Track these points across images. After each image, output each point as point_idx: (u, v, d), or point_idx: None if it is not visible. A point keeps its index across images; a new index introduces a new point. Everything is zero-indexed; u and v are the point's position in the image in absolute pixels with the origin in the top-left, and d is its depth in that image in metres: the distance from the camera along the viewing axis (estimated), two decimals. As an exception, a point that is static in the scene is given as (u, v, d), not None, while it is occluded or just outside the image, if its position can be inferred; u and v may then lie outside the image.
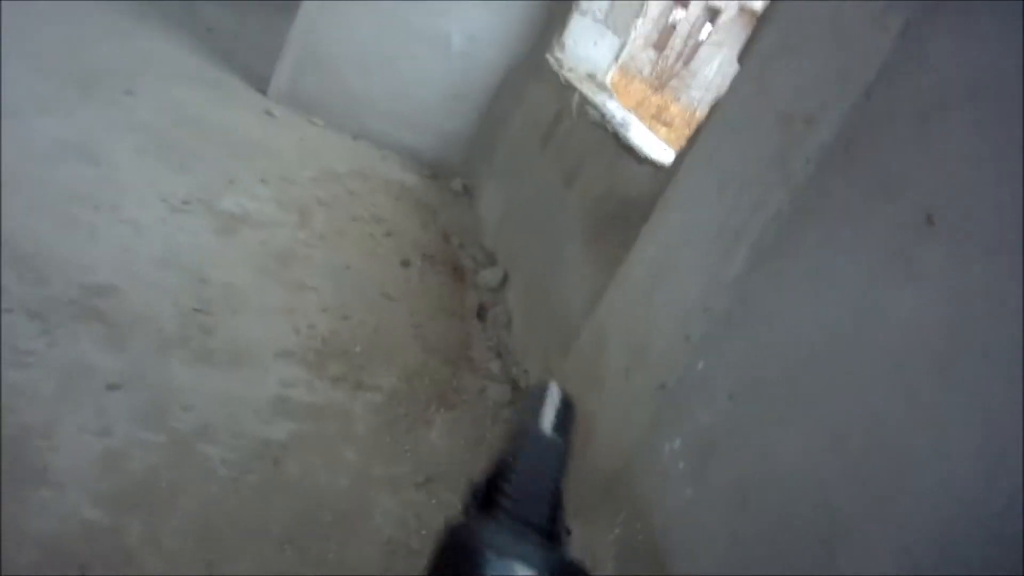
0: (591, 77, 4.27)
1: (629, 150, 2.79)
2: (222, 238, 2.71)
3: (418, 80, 4.50)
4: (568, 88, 3.66)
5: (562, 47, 4.23)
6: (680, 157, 2.39)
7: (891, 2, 1.65)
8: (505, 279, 3.47)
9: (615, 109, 3.48)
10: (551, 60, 4.14)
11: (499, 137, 4.48)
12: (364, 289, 2.90)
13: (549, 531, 0.45)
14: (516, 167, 3.99)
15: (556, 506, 0.47)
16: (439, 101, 4.58)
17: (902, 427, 1.29)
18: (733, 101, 2.08)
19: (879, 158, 1.61)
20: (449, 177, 4.68)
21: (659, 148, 2.88)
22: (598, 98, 3.64)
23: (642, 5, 4.25)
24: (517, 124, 4.32)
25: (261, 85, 4.46)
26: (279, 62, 4.34)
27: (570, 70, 4.14)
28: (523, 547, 0.41)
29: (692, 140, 2.29)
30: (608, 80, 4.36)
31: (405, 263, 3.26)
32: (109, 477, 1.60)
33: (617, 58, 4.36)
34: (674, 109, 16.72)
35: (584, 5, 4.17)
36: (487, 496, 0.47)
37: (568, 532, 0.47)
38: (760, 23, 2.24)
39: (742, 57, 2.31)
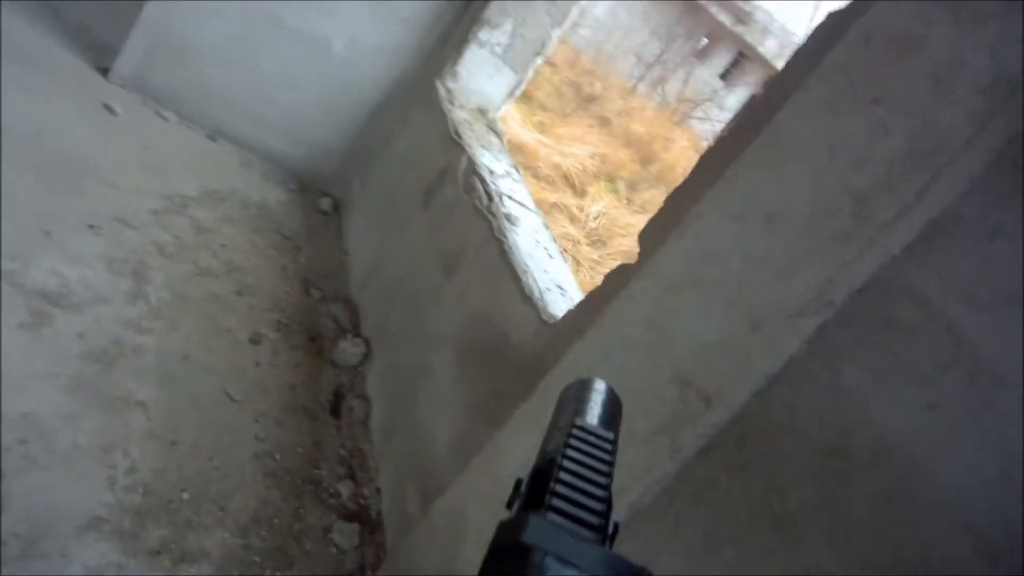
0: (482, 113, 3.97)
1: (514, 274, 2.57)
2: (27, 336, 2.28)
3: (290, 82, 4.02)
4: (456, 146, 3.36)
5: (455, 77, 3.88)
6: (569, 328, 2.21)
7: (809, 306, 1.51)
8: (368, 353, 3.21)
9: (503, 184, 3.23)
10: (441, 91, 3.79)
11: (377, 157, 4.11)
12: (202, 390, 2.56)
13: (602, 529, 0.42)
14: (393, 211, 3.68)
15: (607, 503, 0.44)
16: (313, 108, 4.12)
17: None
18: (628, 316, 1.91)
19: (772, 474, 1.51)
20: (317, 193, 4.27)
21: (547, 275, 2.68)
22: (486, 159, 3.37)
23: (543, 43, 3.95)
24: (399, 150, 3.97)
25: (104, 60, 3.83)
26: (128, 41, 3.72)
27: (461, 106, 3.81)
28: (580, 546, 0.38)
29: (575, 336, 2.11)
30: (499, 117, 4.06)
31: (255, 340, 2.92)
32: None
33: (512, 95, 4.06)
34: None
35: (483, 36, 3.82)
36: (534, 493, 0.45)
37: (617, 529, 0.44)
38: (664, 216, 2.06)
39: (643, 239, 2.13)
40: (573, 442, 0.48)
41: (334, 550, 2.38)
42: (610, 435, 0.50)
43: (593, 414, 0.54)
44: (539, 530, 0.39)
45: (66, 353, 2.32)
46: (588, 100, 15.51)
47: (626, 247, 9.45)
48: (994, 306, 1.30)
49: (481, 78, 3.93)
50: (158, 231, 3.06)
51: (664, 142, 15.75)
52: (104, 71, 3.76)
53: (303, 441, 2.67)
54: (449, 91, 3.84)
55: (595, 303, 2.15)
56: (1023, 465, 1.15)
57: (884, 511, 1.29)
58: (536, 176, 10.21)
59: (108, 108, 3.55)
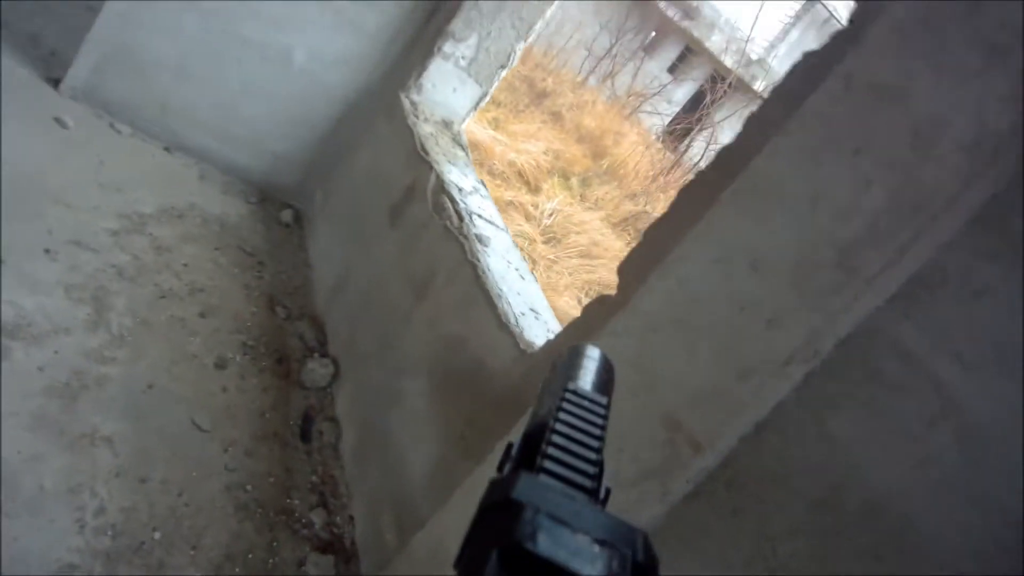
0: (447, 125, 3.94)
1: (489, 300, 2.56)
2: (-13, 373, 2.19)
3: (250, 93, 3.91)
4: (423, 162, 3.33)
5: (419, 89, 3.84)
6: (549, 360, 2.21)
7: (798, 355, 1.54)
8: (336, 373, 3.17)
9: (472, 202, 3.21)
10: (406, 104, 3.75)
11: (340, 169, 4.05)
12: (169, 421, 2.50)
13: (594, 492, 0.41)
14: (359, 226, 3.63)
15: (599, 467, 0.44)
16: (273, 119, 4.03)
17: None
18: (612, 354, 1.91)
19: (764, 523, 1.54)
20: (278, 204, 4.18)
21: (520, 298, 2.67)
22: (454, 176, 3.34)
23: (510, 56, 3.93)
24: (362, 163, 3.91)
25: (53, 70, 3.67)
26: (80, 52, 3.57)
27: (426, 119, 3.77)
28: (572, 504, 0.38)
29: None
30: (464, 129, 4.03)
31: (221, 364, 2.86)
32: None
33: (476, 107, 4.03)
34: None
35: (448, 48, 3.78)
36: (526, 456, 0.44)
37: (608, 493, 0.43)
38: (645, 250, 2.07)
39: (624, 273, 2.15)
40: (566, 406, 0.47)
41: (310, 585, 2.34)
42: (603, 399, 0.49)
43: (586, 380, 0.53)
44: (530, 488, 0.38)
45: (27, 389, 2.23)
46: (540, 95, 15.54)
47: (581, 244, 9.54)
48: (980, 365, 1.34)
49: (446, 91, 3.90)
50: (117, 253, 2.96)
51: (615, 136, 15.89)
52: (55, 82, 3.61)
53: (274, 470, 2.62)
54: (414, 104, 3.80)
55: (575, 336, 2.16)
56: (1012, 528, 1.19)
57: (876, 568, 1.33)
58: (491, 173, 10.21)
59: (59, 122, 3.41)
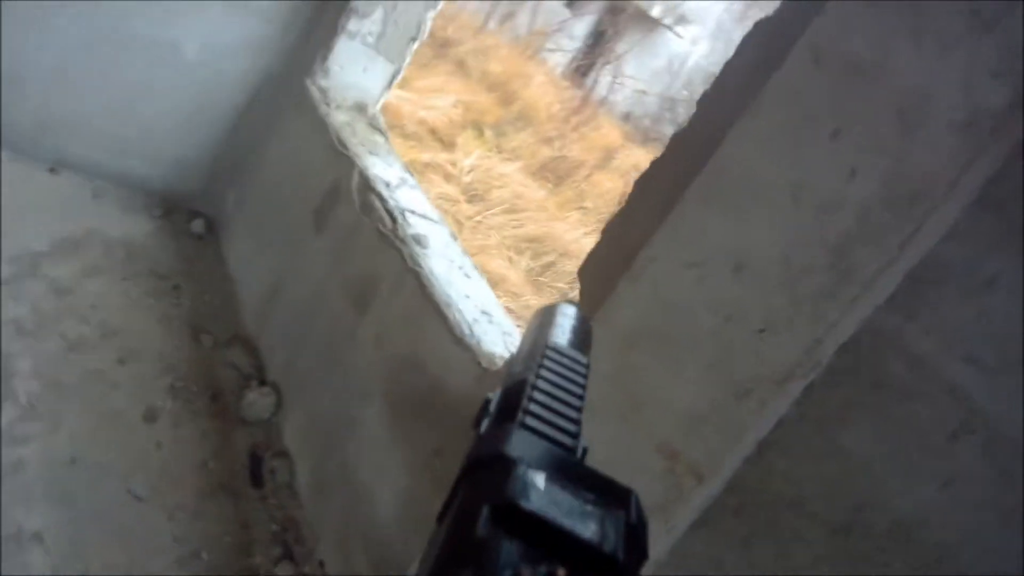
0: (361, 109, 3.65)
1: (438, 311, 2.37)
2: None
3: (139, 95, 3.52)
4: (343, 157, 3.06)
5: (326, 73, 3.53)
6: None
7: (798, 368, 1.41)
8: (279, 403, 2.93)
9: (402, 197, 2.97)
10: (314, 91, 3.44)
11: (251, 168, 3.72)
12: (103, 496, 2.24)
13: (572, 450, 0.40)
14: (281, 232, 3.34)
15: (578, 425, 0.42)
16: (169, 120, 3.65)
17: None
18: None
19: (782, 553, 1.42)
20: (186, 214, 3.84)
21: (469, 301, 2.48)
22: (379, 169, 3.09)
23: (420, 26, 3.64)
24: (275, 159, 3.60)
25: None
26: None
27: (338, 106, 3.48)
28: (563, 461, 0.36)
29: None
30: (379, 110, 3.75)
31: (150, 416, 2.59)
32: None
33: (390, 85, 3.75)
34: None
35: (352, 27, 3.46)
36: (505, 413, 0.42)
37: (585, 452, 0.41)
38: (607, 250, 1.90)
39: (585, 276, 1.97)
40: (547, 363, 0.47)
41: (288, 650, 2.17)
42: (584, 359, 0.49)
43: (563, 338, 0.52)
44: (522, 443, 0.37)
45: (-71, 494, 1.95)
46: (443, 45, 15.06)
47: (504, 199, 9.31)
48: (1000, 367, 1.23)
49: (355, 72, 3.60)
50: (11, 306, 2.62)
51: (522, 79, 15.55)
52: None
53: (229, 527, 2.40)
54: (323, 90, 3.49)
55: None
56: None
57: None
58: (404, 135, 9.83)
59: (-81, 158, 3.00)
